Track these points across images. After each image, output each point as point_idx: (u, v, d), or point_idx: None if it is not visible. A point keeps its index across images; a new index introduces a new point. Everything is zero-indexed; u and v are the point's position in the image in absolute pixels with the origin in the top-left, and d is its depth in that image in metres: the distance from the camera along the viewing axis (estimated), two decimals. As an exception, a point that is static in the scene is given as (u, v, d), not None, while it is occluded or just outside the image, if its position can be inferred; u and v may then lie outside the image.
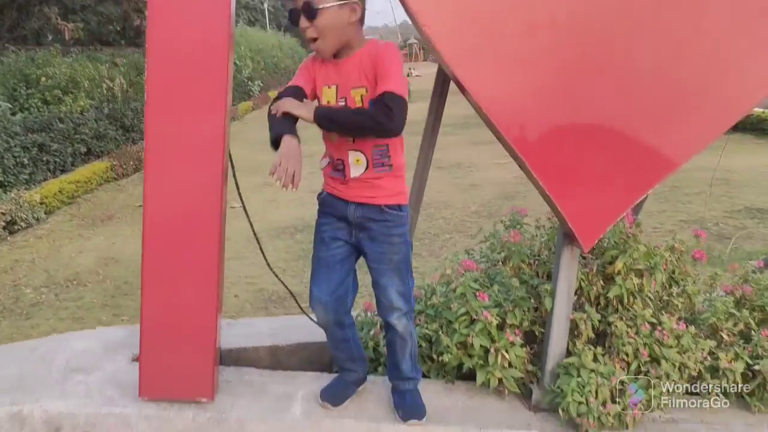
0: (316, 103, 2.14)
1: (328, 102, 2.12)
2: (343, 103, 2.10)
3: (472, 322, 2.45)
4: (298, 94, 2.12)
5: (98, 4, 16.08)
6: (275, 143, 2.00)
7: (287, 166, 1.90)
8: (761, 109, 16.19)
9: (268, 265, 2.60)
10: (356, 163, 2.14)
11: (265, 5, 39.99)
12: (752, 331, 2.58)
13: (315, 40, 2.04)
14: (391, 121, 1.95)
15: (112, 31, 17.28)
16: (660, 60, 2.18)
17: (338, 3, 2.00)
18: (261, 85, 22.52)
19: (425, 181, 2.75)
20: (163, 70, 2.19)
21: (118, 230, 8.13)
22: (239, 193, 2.46)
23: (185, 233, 2.25)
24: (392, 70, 2.01)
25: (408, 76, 26.90)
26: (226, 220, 2.38)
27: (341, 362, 2.47)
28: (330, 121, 2.05)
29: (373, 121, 1.98)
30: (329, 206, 2.24)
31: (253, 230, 2.58)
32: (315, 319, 2.38)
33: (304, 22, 2.02)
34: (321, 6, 1.99)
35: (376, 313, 2.61)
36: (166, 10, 2.16)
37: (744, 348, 2.51)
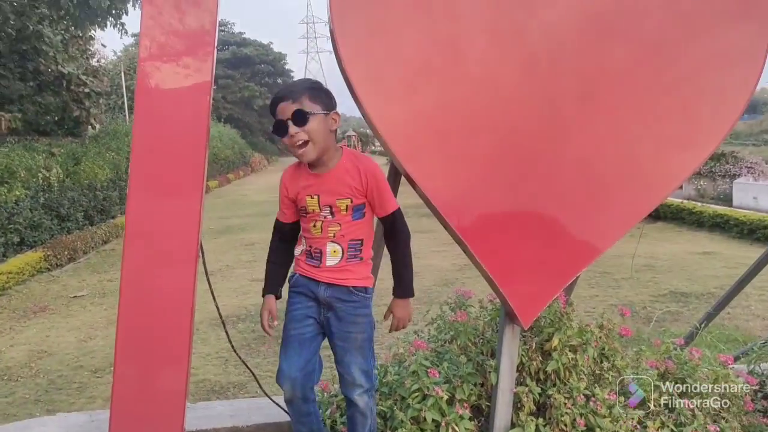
0: (403, 302, 2.51)
1: (313, 210, 2.39)
2: (328, 211, 2.37)
3: (424, 397, 2.61)
4: (289, 230, 2.53)
5: (37, 94, 16.07)
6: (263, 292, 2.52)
7: (264, 322, 2.44)
8: (679, 200, 17.29)
9: (234, 349, 2.73)
10: (333, 254, 2.41)
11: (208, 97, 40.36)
12: (676, 402, 2.83)
13: (303, 145, 2.28)
14: (409, 237, 2.45)
15: (50, 121, 17.19)
16: (582, 156, 2.54)
17: (323, 112, 2.30)
18: (201, 175, 22.53)
19: (377, 269, 2.95)
20: (146, 155, 2.33)
21: (51, 322, 7.90)
22: (207, 278, 2.61)
23: (159, 317, 2.34)
24: (387, 188, 2.40)
25: (372, 153, 27.48)
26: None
27: None
28: (411, 283, 2.51)
29: (408, 242, 2.45)
30: (301, 286, 2.45)
31: (220, 314, 2.71)
32: (276, 401, 2.51)
33: (293, 128, 2.26)
34: (311, 112, 2.27)
35: (332, 393, 2.75)
36: (151, 105, 2.32)
37: (669, 417, 2.75)
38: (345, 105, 2.80)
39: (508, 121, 2.46)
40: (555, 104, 2.49)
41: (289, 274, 2.53)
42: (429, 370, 2.64)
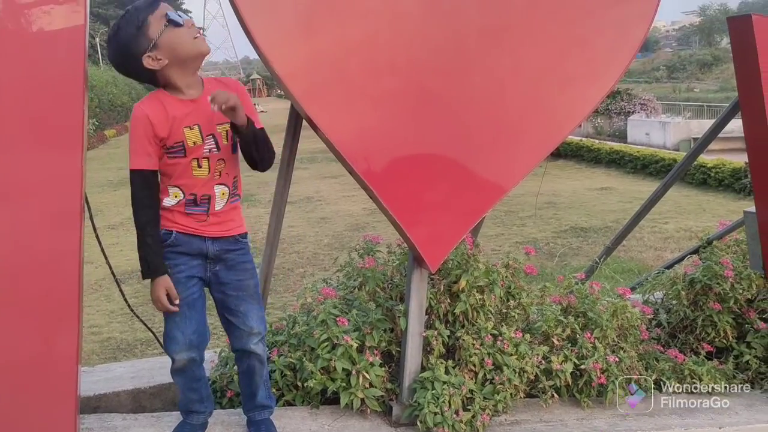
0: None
1: (194, 143, 2.13)
2: (212, 141, 2.15)
3: (334, 347, 2.57)
4: (157, 181, 2.18)
5: None
6: (148, 274, 2.16)
7: (167, 307, 2.16)
8: (578, 138, 17.94)
9: (130, 308, 2.55)
10: (221, 197, 2.22)
11: (97, 40, 38.13)
12: (577, 335, 2.92)
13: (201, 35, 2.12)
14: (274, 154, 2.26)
15: None
16: (486, 95, 2.51)
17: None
18: (96, 123, 21.44)
19: (282, 215, 2.86)
20: (17, 106, 2.09)
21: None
22: (97, 236, 2.40)
23: (43, 281, 2.15)
24: (254, 109, 2.22)
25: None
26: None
27: (191, 404, 2.41)
28: (254, 134, 2.17)
29: (272, 151, 2.25)
30: (182, 244, 2.22)
31: (112, 270, 2.50)
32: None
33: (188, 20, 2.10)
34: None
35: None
36: (12, 46, 2.09)
37: (572, 351, 2.84)
38: (249, 47, 2.57)
39: (410, 59, 2.36)
40: (457, 41, 2.42)
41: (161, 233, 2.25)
42: (338, 319, 2.60)
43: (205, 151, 2.16)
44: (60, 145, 2.13)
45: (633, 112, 21.62)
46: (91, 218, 2.33)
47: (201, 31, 2.12)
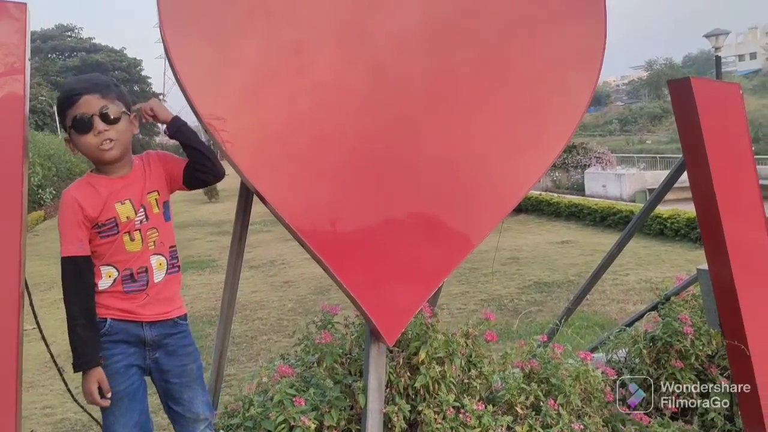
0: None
1: (127, 218, 2.11)
2: (143, 213, 2.14)
3: (291, 428, 2.47)
4: (91, 268, 2.11)
5: None
6: (79, 366, 2.05)
7: (97, 401, 2.06)
8: (538, 192, 18.22)
9: (70, 392, 2.43)
10: (159, 267, 2.18)
11: (54, 108, 37.98)
12: (541, 403, 2.87)
13: (109, 144, 2.06)
14: (218, 162, 2.21)
15: None
16: (436, 163, 2.51)
17: (128, 113, 2.13)
18: (53, 192, 21.10)
19: (236, 290, 2.79)
20: None
21: None
22: (34, 314, 2.30)
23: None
24: (175, 157, 2.28)
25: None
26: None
27: None
28: (184, 131, 2.16)
29: (211, 153, 2.20)
30: (118, 332, 2.12)
31: (51, 355, 2.39)
32: None
33: (102, 125, 2.04)
34: (123, 110, 2.09)
35: None
36: None
37: (536, 419, 2.78)
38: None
39: (358, 129, 2.37)
40: (405, 109, 2.44)
41: None
42: (294, 399, 2.50)
43: (136, 222, 2.13)
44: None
45: (589, 165, 22.14)
46: (29, 294, 2.24)
47: (109, 141, 2.07)
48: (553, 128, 2.72)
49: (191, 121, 2.31)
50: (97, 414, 2.27)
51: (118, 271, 2.13)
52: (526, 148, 2.63)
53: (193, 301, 9.07)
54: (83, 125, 2.04)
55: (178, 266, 2.26)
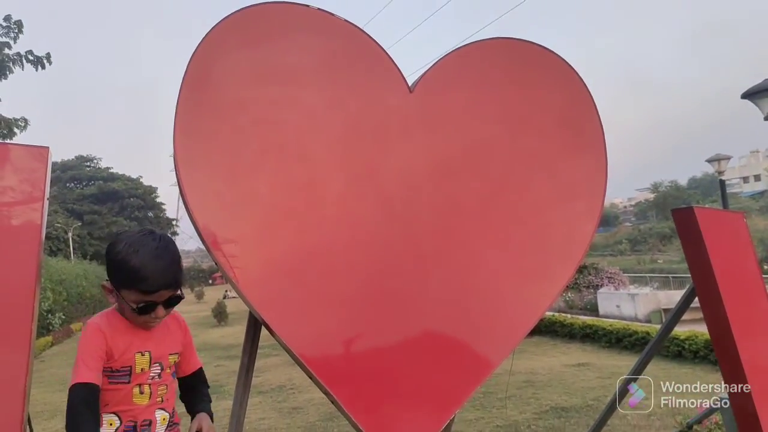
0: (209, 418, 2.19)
1: (141, 369, 2.07)
2: (158, 368, 2.11)
3: None
4: (98, 400, 2.00)
5: None
6: None
7: None
8: (551, 313, 18.02)
9: None
10: (162, 422, 2.13)
11: (69, 234, 38.71)
12: None
13: (158, 320, 2.09)
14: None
15: None
16: (445, 295, 2.51)
17: None
18: (63, 317, 21.06)
19: (242, 424, 2.72)
20: None
21: None
22: None
23: None
24: (193, 348, 2.32)
25: (224, 298, 26.78)
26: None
27: None
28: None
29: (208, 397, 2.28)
30: None
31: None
32: None
33: (163, 311, 2.05)
34: (183, 295, 2.09)
35: None
36: None
37: None
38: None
39: (368, 262, 2.40)
40: (414, 242, 2.48)
41: None
42: None
43: (149, 377, 2.10)
44: (5, 348, 2.06)
45: (601, 285, 22.00)
46: (30, 425, 2.19)
47: (158, 320, 2.10)
48: (561, 257, 2.75)
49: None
50: None
51: (121, 421, 2.07)
52: (535, 277, 2.65)
53: (199, 430, 8.78)
54: (147, 310, 2.03)
55: (177, 423, 2.23)
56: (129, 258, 1.99)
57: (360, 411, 2.31)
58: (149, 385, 2.09)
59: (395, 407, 2.40)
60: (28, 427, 2.20)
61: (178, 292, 2.06)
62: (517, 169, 2.67)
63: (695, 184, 77.43)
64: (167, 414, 2.15)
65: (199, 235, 2.20)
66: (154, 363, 2.10)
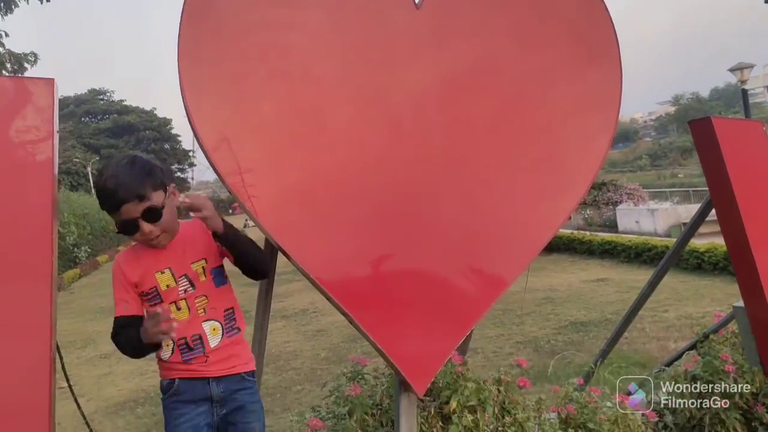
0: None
1: (167, 286, 2.14)
2: (185, 281, 2.15)
3: (324, 483, 2.44)
4: (138, 325, 2.10)
5: None
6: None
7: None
8: (569, 231, 18.03)
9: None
10: (213, 333, 2.18)
11: (89, 169, 39.04)
12: (580, 449, 2.80)
13: (158, 237, 2.10)
14: (264, 265, 2.27)
15: None
16: (458, 214, 2.51)
17: (166, 195, 2.12)
18: (88, 250, 21.52)
19: (264, 347, 2.79)
20: None
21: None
22: (65, 373, 2.32)
23: (9, 425, 2.08)
24: None
25: (244, 227, 27.12)
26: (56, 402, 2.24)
27: None
28: (237, 238, 2.15)
29: (258, 254, 2.23)
30: (185, 392, 2.16)
31: (82, 413, 2.40)
32: None
33: (147, 226, 2.06)
34: (162, 206, 2.08)
35: None
36: None
37: (575, 466, 2.71)
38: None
39: (379, 185, 2.39)
40: (425, 162, 2.46)
41: (163, 383, 2.21)
42: (326, 453, 2.48)
43: (180, 292, 2.15)
44: (29, 281, 2.12)
45: (620, 202, 21.88)
46: (59, 353, 2.28)
47: (157, 237, 2.11)
48: (574, 173, 2.72)
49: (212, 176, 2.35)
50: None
51: (173, 341, 2.16)
52: (548, 194, 2.63)
53: (228, 353, 9.05)
54: (129, 230, 2.07)
55: (238, 328, 2.26)
56: (96, 184, 2.14)
57: (378, 331, 2.35)
58: (184, 300, 2.15)
59: (412, 325, 2.44)
60: (57, 354, 2.28)
61: (151, 203, 2.05)
62: (529, 83, 2.61)
63: (717, 95, 75.53)
64: (218, 323, 2.19)
65: (211, 164, 2.19)
66: (179, 278, 2.15)
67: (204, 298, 2.18)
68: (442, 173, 2.49)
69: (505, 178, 2.57)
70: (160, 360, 2.20)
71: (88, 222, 22.99)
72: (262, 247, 2.63)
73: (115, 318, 2.17)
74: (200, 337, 2.17)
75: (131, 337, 2.10)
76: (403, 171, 2.43)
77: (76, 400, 2.40)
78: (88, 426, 2.39)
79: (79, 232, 21.36)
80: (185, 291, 2.15)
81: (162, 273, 2.14)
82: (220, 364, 2.19)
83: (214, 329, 2.19)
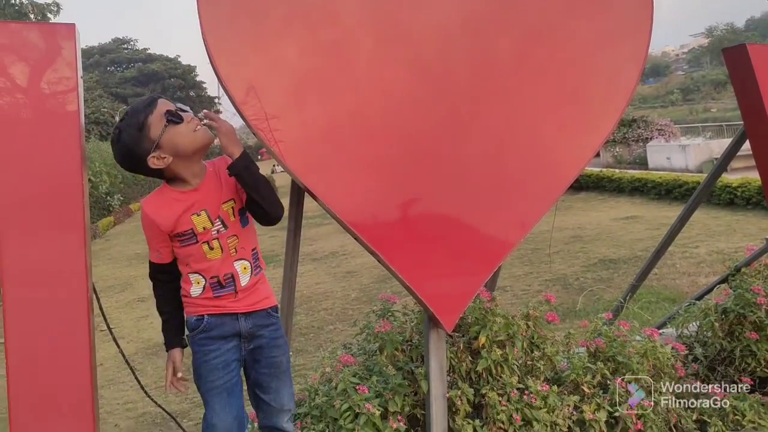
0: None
1: (204, 228, 2.17)
2: (219, 223, 2.19)
3: (357, 415, 2.51)
4: (170, 270, 2.27)
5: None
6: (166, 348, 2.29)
7: (172, 383, 2.24)
8: (598, 169, 17.80)
9: (143, 388, 2.54)
10: (244, 272, 2.24)
11: (117, 118, 39.26)
12: (608, 381, 2.82)
13: (200, 126, 2.14)
14: (276, 209, 2.22)
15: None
16: (484, 150, 2.48)
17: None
18: (121, 198, 21.88)
19: (294, 285, 2.85)
20: (13, 198, 2.14)
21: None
22: (104, 316, 2.40)
23: (53, 366, 2.17)
24: None
25: (272, 173, 27.22)
26: (97, 344, 2.32)
27: None
28: (246, 175, 2.14)
29: (276, 198, 2.21)
30: (215, 328, 2.22)
31: (122, 353, 2.50)
32: None
33: (187, 115, 2.14)
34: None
35: None
36: (11, 135, 2.15)
37: (603, 398, 2.74)
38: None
39: (403, 123, 2.36)
40: (450, 99, 2.42)
41: (191, 320, 2.27)
42: (358, 387, 2.54)
43: (213, 233, 2.19)
44: (62, 228, 2.18)
45: (651, 138, 21.46)
46: (97, 297, 2.36)
47: (200, 121, 2.14)
48: (602, 107, 2.65)
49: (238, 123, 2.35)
50: (171, 409, 2.37)
51: (205, 279, 2.22)
52: (575, 129, 2.58)
53: (260, 296, 9.23)
54: (176, 116, 2.10)
55: (260, 267, 2.32)
56: (121, 120, 2.18)
57: (406, 269, 2.36)
58: (217, 239, 2.19)
59: (440, 263, 2.45)
60: (95, 298, 2.35)
61: (174, 106, 2.14)
62: (555, 14, 2.52)
63: (753, 25, 72.64)
64: (247, 262, 2.25)
65: (235, 107, 2.19)
66: (215, 219, 2.19)
67: (235, 237, 2.22)
68: (467, 110, 2.45)
69: (531, 113, 2.52)
70: (188, 297, 2.25)
71: (120, 171, 23.27)
72: (289, 192, 2.65)
73: (150, 263, 2.30)
74: (232, 276, 2.22)
75: (160, 298, 2.32)
76: (428, 109, 2.40)
77: (116, 342, 2.48)
78: (129, 366, 2.48)
79: (111, 180, 21.67)
80: (218, 231, 2.19)
81: (198, 215, 2.17)
82: (248, 299, 2.24)
83: (244, 268, 2.24)
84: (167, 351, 2.27)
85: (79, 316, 2.19)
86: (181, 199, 2.18)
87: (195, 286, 2.23)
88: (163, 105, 2.12)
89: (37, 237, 2.17)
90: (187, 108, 2.20)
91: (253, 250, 2.28)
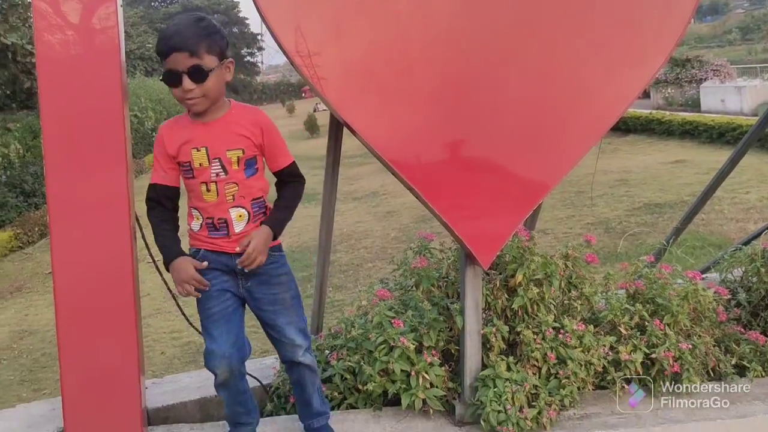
0: (268, 232, 2.20)
1: (200, 164, 2.15)
2: (218, 165, 2.15)
3: (391, 349, 2.55)
4: (173, 196, 2.24)
5: (-20, 68, 15.40)
6: (168, 258, 2.20)
7: (186, 289, 2.16)
8: (648, 111, 17.26)
9: (185, 316, 2.61)
10: (239, 219, 2.21)
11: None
12: (646, 323, 2.79)
13: (195, 99, 2.08)
14: (304, 183, 2.32)
15: (1, 95, 16.53)
16: (527, 86, 2.41)
17: (221, 64, 2.10)
18: (166, 134, 22.18)
19: (332, 221, 2.86)
20: (59, 132, 2.21)
21: (29, 301, 7.81)
22: (148, 248, 2.46)
23: (98, 296, 2.26)
24: (282, 143, 2.28)
25: (314, 111, 27.20)
26: (143, 275, 2.40)
27: (238, 417, 2.42)
28: (284, 225, 2.26)
29: (300, 195, 2.32)
30: (211, 261, 2.22)
31: (167, 284, 2.57)
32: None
33: (189, 84, 2.05)
34: (211, 68, 2.06)
35: None
36: (56, 71, 2.19)
37: (641, 339, 2.72)
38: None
39: (445, 57, 2.30)
40: (493, 34, 2.34)
41: (191, 251, 2.27)
42: (393, 320, 2.57)
43: (212, 175, 2.16)
44: (104, 163, 2.25)
45: (705, 79, 20.61)
46: (141, 230, 2.41)
47: (194, 99, 2.09)
48: (652, 41, 2.52)
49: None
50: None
51: (202, 216, 2.22)
52: (623, 64, 2.46)
53: (300, 233, 9.38)
54: (172, 80, 2.07)
55: (266, 213, 2.28)
56: (160, 29, 2.16)
57: (443, 204, 2.35)
58: (215, 183, 2.16)
59: (479, 201, 2.42)
60: (138, 230, 2.41)
61: (200, 61, 2.04)
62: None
63: (823, -41, 68.17)
64: (244, 210, 2.21)
65: (278, 43, 2.16)
66: (213, 159, 2.15)
67: (234, 185, 2.18)
68: (511, 42, 2.37)
69: (578, 46, 2.42)
70: (190, 229, 2.27)
71: (164, 107, 23.52)
72: (328, 128, 2.64)
73: (151, 185, 2.23)
74: (226, 221, 2.20)
75: (158, 224, 2.22)
76: (471, 42, 2.32)
77: (159, 272, 2.54)
78: (173, 296, 2.54)
79: (156, 116, 21.93)
80: (217, 175, 2.16)
81: (198, 150, 2.15)
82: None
83: (240, 215, 2.21)
84: (172, 262, 2.18)
85: (122, 246, 2.27)
86: (189, 127, 2.18)
87: (195, 221, 2.25)
88: (171, 62, 2.07)
89: (81, 169, 2.24)
90: (208, 70, 2.10)
91: (256, 199, 2.23)
